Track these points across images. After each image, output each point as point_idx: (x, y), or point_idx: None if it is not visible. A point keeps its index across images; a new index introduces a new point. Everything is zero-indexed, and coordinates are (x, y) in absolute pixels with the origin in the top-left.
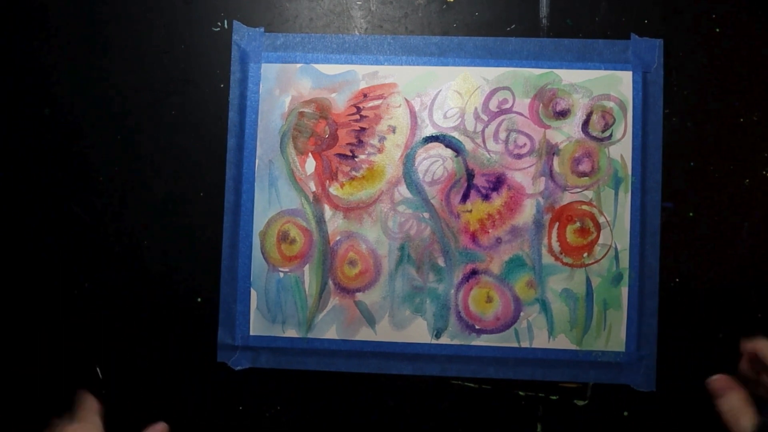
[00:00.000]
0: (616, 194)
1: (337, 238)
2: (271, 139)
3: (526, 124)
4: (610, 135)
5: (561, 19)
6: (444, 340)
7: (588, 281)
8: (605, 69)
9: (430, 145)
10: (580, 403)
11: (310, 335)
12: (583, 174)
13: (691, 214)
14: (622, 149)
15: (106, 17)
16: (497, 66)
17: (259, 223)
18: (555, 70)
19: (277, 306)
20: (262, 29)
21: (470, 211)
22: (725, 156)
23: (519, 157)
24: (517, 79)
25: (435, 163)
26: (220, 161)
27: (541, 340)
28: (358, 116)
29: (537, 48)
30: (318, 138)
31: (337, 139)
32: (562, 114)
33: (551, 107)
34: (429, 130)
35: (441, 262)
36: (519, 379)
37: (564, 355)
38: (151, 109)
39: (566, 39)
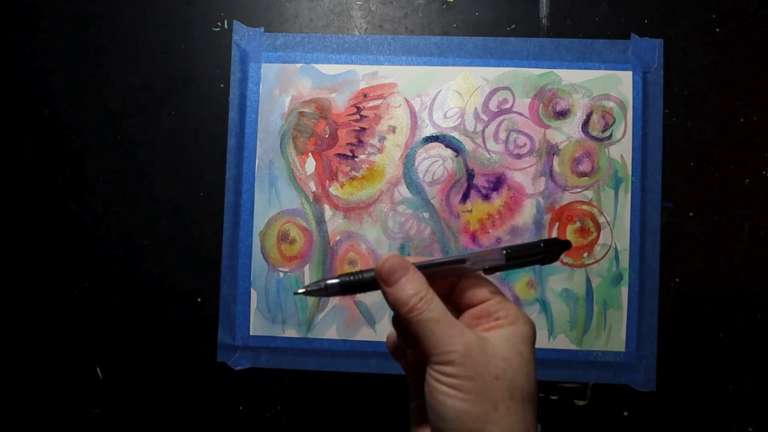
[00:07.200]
0: (616, 194)
1: (337, 238)
2: (271, 139)
3: (526, 124)
4: (610, 135)
5: (561, 19)
6: None
7: (588, 281)
8: (605, 69)
9: (430, 145)
10: (580, 403)
11: (310, 335)
12: (583, 174)
13: (691, 214)
14: (622, 149)
15: (106, 17)
16: (497, 66)
17: (259, 223)
18: (555, 70)
19: (277, 306)
20: (262, 29)
21: (470, 211)
22: (725, 156)
23: (519, 157)
24: (517, 79)
25: (435, 163)
26: (220, 161)
27: (541, 340)
28: (358, 116)
29: (537, 48)
30: (318, 138)
31: (337, 139)
32: (562, 114)
33: (551, 107)
34: (429, 130)
35: None
36: None
37: (564, 355)
38: (151, 109)
39: (566, 39)
